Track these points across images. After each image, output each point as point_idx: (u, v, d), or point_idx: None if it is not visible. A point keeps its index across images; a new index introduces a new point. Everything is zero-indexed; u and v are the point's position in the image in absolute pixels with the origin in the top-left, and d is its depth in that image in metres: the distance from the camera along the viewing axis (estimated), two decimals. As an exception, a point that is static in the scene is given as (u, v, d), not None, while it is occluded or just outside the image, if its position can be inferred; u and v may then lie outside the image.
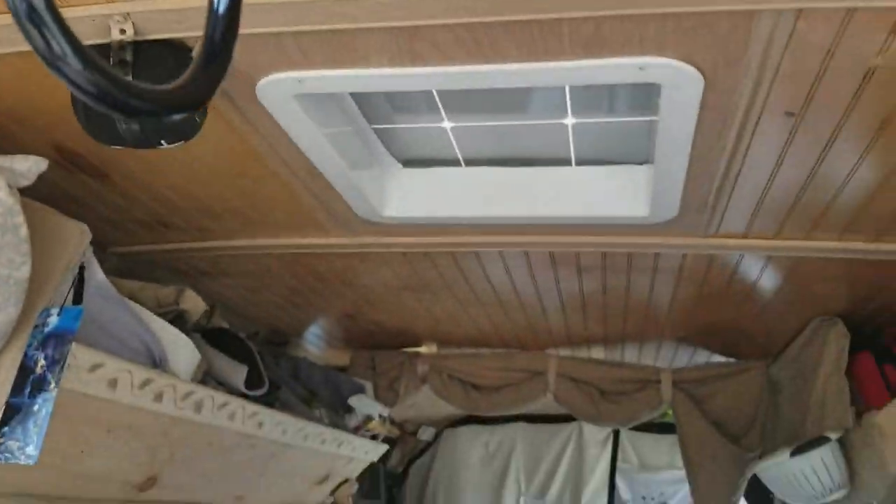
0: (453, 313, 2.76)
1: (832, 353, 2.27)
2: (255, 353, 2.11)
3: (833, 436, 2.24)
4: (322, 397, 2.81)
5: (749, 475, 2.71)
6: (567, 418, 4.76)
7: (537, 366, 3.10)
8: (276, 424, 2.08)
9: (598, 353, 3.21)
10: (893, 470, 2.07)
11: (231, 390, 1.93)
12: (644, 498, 4.58)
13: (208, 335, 2.06)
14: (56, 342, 1.33)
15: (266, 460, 2.18)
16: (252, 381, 2.00)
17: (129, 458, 1.65)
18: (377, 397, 3.11)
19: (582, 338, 3.00)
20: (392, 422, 4.42)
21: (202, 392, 1.72)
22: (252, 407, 1.94)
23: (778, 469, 2.34)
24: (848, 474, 2.29)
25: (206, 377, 1.88)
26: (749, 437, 2.79)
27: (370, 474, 4.22)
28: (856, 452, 2.27)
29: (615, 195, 1.72)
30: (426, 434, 4.78)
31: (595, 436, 4.74)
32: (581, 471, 4.70)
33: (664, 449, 4.64)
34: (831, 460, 2.24)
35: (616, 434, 4.72)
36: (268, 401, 2.09)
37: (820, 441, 2.24)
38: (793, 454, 2.27)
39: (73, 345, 1.33)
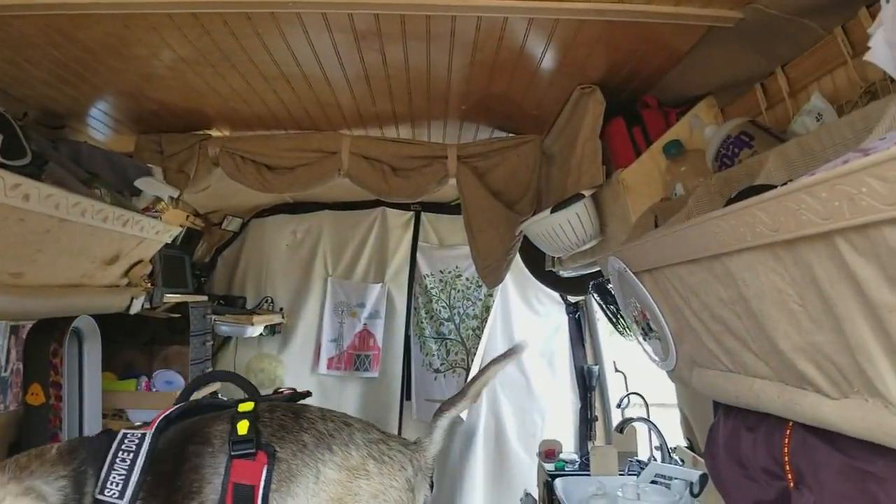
0: (240, 91, 2.71)
1: (589, 119, 2.48)
2: (14, 123, 1.99)
3: (587, 192, 2.51)
4: (106, 180, 2.72)
5: (519, 234, 3.00)
6: (371, 204, 4.96)
7: (331, 146, 3.16)
8: (45, 197, 2.01)
9: (390, 133, 3.30)
10: (632, 219, 2.37)
11: (-12, 162, 1.83)
12: (441, 271, 4.96)
13: (-44, 106, 1.91)
14: None
15: (41, 236, 2.13)
16: (11, 151, 1.90)
17: None
18: (167, 180, 3.05)
19: (373, 116, 3.06)
20: (197, 214, 4.40)
21: (-51, 158, 1.63)
22: (14, 178, 1.86)
23: (540, 225, 2.62)
24: (599, 226, 2.60)
25: (-44, 146, 1.77)
26: (522, 203, 3.07)
27: (176, 265, 4.23)
28: (606, 206, 2.57)
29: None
30: (232, 224, 4.81)
31: (398, 219, 4.99)
32: (385, 251, 4.97)
33: (459, 228, 4.98)
34: (585, 214, 2.53)
35: (417, 217, 4.99)
36: (33, 173, 2.01)
37: (576, 198, 2.51)
38: (553, 211, 2.54)
39: None
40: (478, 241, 3.11)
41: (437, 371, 4.94)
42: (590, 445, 4.63)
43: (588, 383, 4.71)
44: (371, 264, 5.00)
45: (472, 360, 4.91)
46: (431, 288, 4.97)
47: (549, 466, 3.69)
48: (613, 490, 2.91)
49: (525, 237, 3.03)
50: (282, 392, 1.78)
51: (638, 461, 3.54)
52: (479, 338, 4.92)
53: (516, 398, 4.88)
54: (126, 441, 1.56)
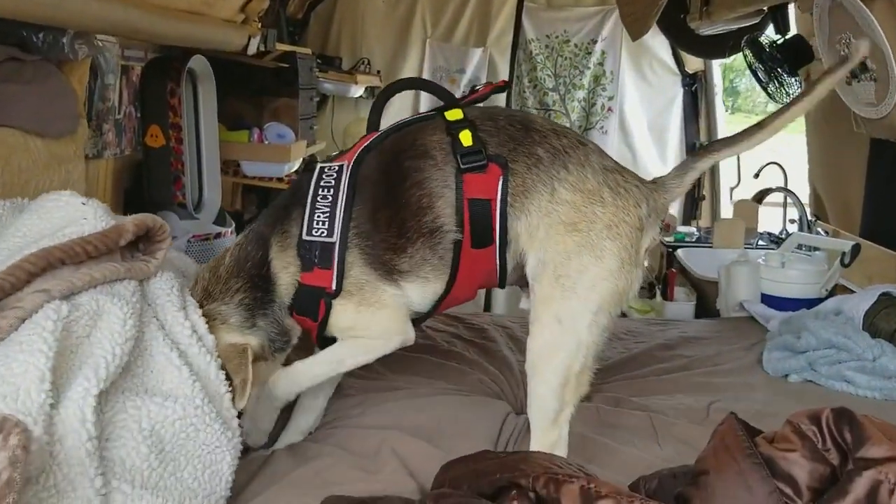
0: None
1: None
2: None
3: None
4: None
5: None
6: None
7: None
8: None
9: None
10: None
11: None
12: (548, 36, 4.60)
13: None
14: None
15: (171, -58, 1.89)
16: None
17: None
18: None
19: None
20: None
21: None
22: None
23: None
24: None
25: None
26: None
27: (270, 19, 3.96)
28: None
29: None
30: (327, -23, 4.45)
31: (504, -27, 4.56)
32: (488, 12, 4.60)
33: (571, -15, 4.57)
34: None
35: (524, -30, 4.55)
36: None
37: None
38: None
39: None
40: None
41: (537, 143, 4.74)
42: (694, 224, 4.49)
43: (699, 161, 4.47)
44: (472, 26, 4.64)
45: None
46: (536, 54, 4.63)
47: (667, 238, 3.56)
48: (754, 259, 2.76)
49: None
50: (478, 90, 1.57)
51: (769, 234, 3.37)
52: (586, 110, 4.65)
53: (621, 173, 4.68)
54: (324, 176, 1.43)
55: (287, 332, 1.47)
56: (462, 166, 1.37)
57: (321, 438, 1.61)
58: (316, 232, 1.38)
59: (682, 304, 3.02)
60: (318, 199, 1.40)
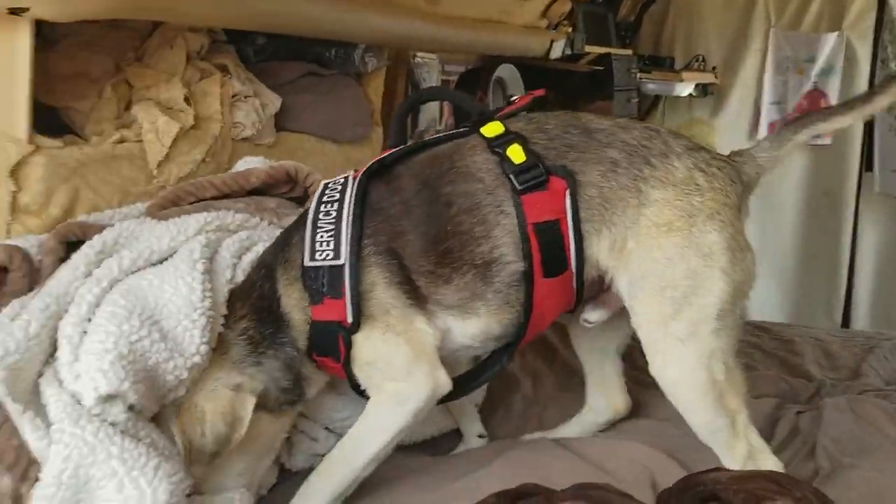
0: None
1: None
2: None
3: None
4: None
5: None
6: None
7: None
8: None
9: None
10: None
11: None
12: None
13: None
14: None
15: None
16: None
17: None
18: None
19: None
20: (619, -33, 4.02)
21: None
22: None
23: None
24: None
25: None
26: None
27: (598, 23, 3.97)
28: None
29: None
30: (659, -25, 4.34)
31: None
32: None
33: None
34: None
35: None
36: None
37: None
38: None
39: None
40: None
41: (908, 135, 4.04)
42: None
43: None
44: (825, 8, 4.14)
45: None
46: (908, 33, 3.96)
47: None
48: None
49: None
50: (514, 101, 1.35)
51: None
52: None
53: None
54: (327, 191, 1.23)
55: (301, 381, 1.23)
56: (518, 187, 1.18)
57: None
58: (319, 255, 1.16)
59: None
60: (321, 216, 1.18)
